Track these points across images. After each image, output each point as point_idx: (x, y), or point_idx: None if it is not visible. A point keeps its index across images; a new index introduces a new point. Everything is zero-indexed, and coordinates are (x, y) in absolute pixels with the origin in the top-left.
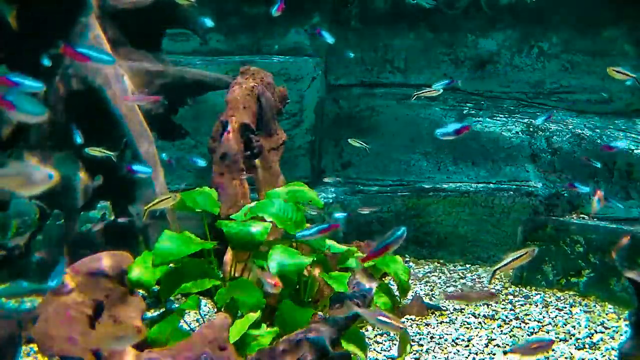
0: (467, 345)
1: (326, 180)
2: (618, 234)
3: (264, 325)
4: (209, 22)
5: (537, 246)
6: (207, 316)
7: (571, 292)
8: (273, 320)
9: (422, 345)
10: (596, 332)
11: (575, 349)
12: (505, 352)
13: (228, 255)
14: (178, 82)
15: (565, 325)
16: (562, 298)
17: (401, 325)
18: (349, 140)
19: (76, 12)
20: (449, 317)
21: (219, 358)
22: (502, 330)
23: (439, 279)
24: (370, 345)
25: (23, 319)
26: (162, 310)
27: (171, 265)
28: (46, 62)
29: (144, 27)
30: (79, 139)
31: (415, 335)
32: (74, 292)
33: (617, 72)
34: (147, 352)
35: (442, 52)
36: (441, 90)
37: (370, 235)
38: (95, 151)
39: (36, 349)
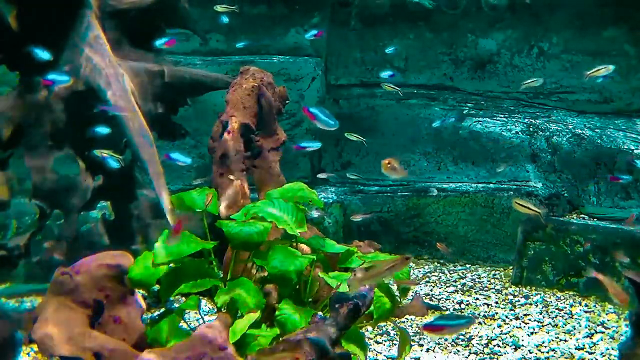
0: (467, 345)
1: (322, 176)
2: (618, 234)
3: (264, 325)
4: (225, 19)
5: (537, 246)
6: (207, 316)
7: (571, 292)
8: (273, 320)
9: (422, 345)
10: (596, 332)
11: (575, 349)
12: None
13: (228, 255)
14: (178, 82)
15: (565, 325)
16: (562, 298)
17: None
18: (345, 134)
19: (76, 12)
20: None
21: (219, 358)
22: (502, 330)
23: (439, 279)
24: (370, 345)
25: (23, 319)
26: (162, 310)
27: (171, 265)
28: (44, 54)
29: (144, 27)
30: (115, 164)
31: (415, 335)
32: (74, 292)
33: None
34: (147, 352)
35: (442, 52)
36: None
37: (371, 235)
38: (104, 154)
39: (36, 349)
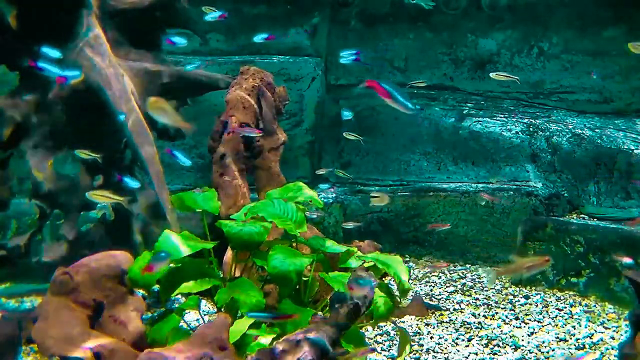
0: (467, 345)
1: (320, 172)
2: (618, 234)
3: (264, 325)
4: (214, 14)
5: (537, 246)
6: (207, 316)
7: (571, 292)
8: None
9: (422, 345)
10: (596, 332)
11: (575, 349)
12: None
13: (228, 255)
14: (178, 82)
15: (565, 325)
16: (562, 298)
17: None
18: (344, 134)
19: (76, 12)
20: (449, 317)
21: (219, 358)
22: (502, 330)
23: (439, 279)
24: (370, 345)
25: (23, 319)
26: (162, 310)
27: (171, 265)
28: (54, 52)
29: (143, 27)
30: (135, 183)
31: (415, 335)
32: (74, 292)
33: (502, 75)
34: (147, 352)
35: (442, 52)
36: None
37: (371, 235)
38: (83, 153)
39: (36, 349)
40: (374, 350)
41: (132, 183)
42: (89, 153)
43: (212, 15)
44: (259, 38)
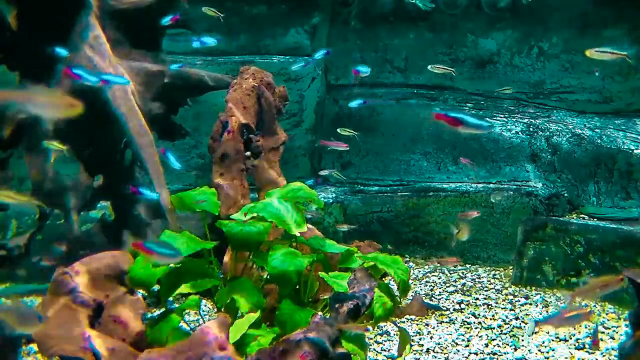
0: (467, 345)
1: (322, 173)
2: (618, 234)
3: (264, 325)
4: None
5: (537, 246)
6: (207, 316)
7: (571, 292)
8: (273, 320)
9: (422, 345)
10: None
11: (575, 349)
12: (537, 322)
13: (228, 255)
14: (178, 82)
15: None
16: (562, 298)
17: None
18: (338, 129)
19: (76, 12)
20: (449, 317)
21: (219, 358)
22: (502, 330)
23: (439, 279)
24: (370, 345)
25: None
26: (162, 310)
27: (171, 265)
28: (64, 52)
29: (143, 27)
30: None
31: (415, 335)
32: (74, 292)
33: (440, 67)
34: (147, 352)
35: (442, 52)
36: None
37: (371, 235)
38: (51, 145)
39: (36, 349)
40: (367, 330)
41: (150, 194)
42: (57, 145)
43: (165, 19)
44: (210, 41)
